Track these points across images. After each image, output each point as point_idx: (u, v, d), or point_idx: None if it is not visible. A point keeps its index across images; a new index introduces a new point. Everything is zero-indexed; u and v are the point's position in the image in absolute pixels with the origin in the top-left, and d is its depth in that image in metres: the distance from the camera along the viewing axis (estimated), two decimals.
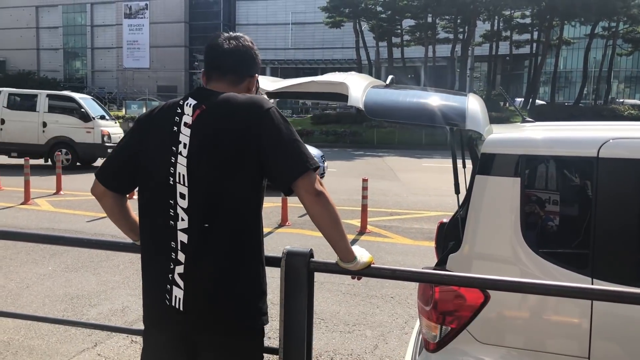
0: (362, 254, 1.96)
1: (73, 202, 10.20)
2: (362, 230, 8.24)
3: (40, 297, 5.22)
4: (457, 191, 2.55)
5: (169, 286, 1.80)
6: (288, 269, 1.99)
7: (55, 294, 5.32)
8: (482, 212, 2.39)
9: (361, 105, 2.39)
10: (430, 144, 26.46)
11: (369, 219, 8.56)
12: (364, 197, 8.33)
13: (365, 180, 8.54)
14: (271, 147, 1.78)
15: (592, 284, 2.20)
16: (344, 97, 2.55)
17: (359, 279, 2.07)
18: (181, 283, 1.78)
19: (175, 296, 1.79)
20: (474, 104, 2.57)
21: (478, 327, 2.30)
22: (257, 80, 2.05)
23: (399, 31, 40.08)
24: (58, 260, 6.39)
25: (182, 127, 1.82)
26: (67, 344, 4.18)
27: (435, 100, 2.61)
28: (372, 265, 1.96)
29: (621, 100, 40.75)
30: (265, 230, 8.11)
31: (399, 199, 11.60)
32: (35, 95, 16.06)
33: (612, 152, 2.24)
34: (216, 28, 56.72)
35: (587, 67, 38.15)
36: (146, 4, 60.65)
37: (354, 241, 7.73)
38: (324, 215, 1.80)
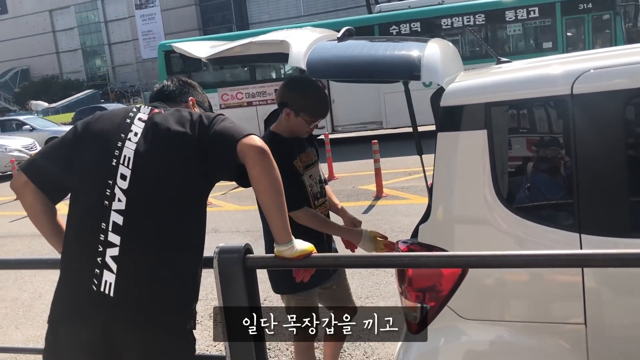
0: (301, 242, 1.74)
1: None
2: (379, 195, 7.95)
3: None
4: (419, 152, 2.28)
5: (97, 270, 1.63)
6: (222, 270, 1.77)
7: None
8: (448, 175, 2.11)
9: (303, 65, 2.11)
10: None
11: (385, 182, 8.26)
12: (376, 161, 8.02)
13: (374, 144, 8.21)
14: (207, 134, 1.76)
15: (580, 240, 1.92)
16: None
17: (305, 278, 1.85)
18: (114, 266, 1.63)
19: (106, 281, 1.62)
20: (432, 52, 2.26)
21: (460, 302, 2.06)
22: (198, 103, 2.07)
23: None
24: None
25: (136, 120, 1.80)
26: None
27: (389, 51, 2.31)
28: (313, 254, 1.74)
29: None
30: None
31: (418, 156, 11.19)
32: None
33: (588, 87, 1.91)
34: (227, 5, 56.19)
35: None
36: None
37: (370, 207, 7.47)
38: (265, 178, 1.68)
